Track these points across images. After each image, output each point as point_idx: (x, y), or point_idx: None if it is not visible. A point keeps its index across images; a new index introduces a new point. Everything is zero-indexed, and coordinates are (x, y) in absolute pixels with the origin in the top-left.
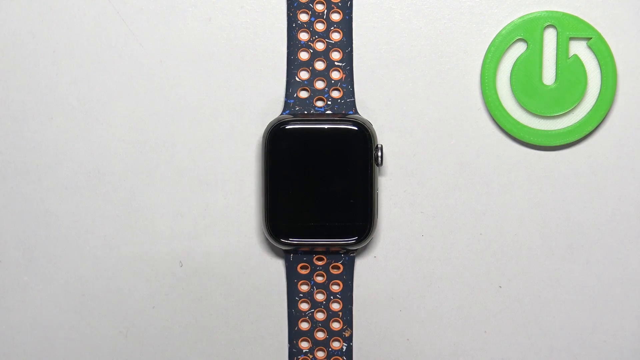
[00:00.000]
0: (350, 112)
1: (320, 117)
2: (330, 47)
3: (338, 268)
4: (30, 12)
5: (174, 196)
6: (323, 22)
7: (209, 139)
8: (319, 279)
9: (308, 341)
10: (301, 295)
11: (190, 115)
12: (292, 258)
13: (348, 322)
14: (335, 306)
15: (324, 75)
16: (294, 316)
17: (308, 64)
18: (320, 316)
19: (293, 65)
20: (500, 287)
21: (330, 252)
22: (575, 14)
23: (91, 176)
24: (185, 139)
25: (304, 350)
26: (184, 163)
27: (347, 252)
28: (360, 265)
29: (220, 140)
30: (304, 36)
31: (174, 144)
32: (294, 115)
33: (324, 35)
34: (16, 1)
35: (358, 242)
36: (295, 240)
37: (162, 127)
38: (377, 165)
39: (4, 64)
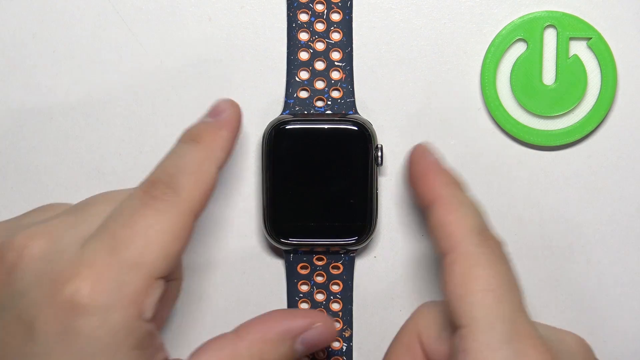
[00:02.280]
0: (350, 112)
1: (320, 117)
2: (330, 47)
3: (338, 268)
4: (30, 12)
5: None
6: (323, 22)
7: None
8: (319, 279)
9: None
10: (301, 295)
11: (190, 116)
12: (292, 258)
13: (348, 322)
14: (335, 306)
15: (324, 75)
16: None
17: (308, 64)
18: None
19: (293, 65)
20: None
21: (330, 252)
22: (575, 14)
23: (91, 176)
24: None
25: None
26: None
27: (347, 252)
28: (360, 265)
29: None
30: (304, 36)
31: (174, 144)
32: (294, 115)
33: (324, 35)
34: (16, 1)
35: (358, 242)
36: (295, 240)
37: (162, 127)
38: (377, 165)
39: (4, 64)
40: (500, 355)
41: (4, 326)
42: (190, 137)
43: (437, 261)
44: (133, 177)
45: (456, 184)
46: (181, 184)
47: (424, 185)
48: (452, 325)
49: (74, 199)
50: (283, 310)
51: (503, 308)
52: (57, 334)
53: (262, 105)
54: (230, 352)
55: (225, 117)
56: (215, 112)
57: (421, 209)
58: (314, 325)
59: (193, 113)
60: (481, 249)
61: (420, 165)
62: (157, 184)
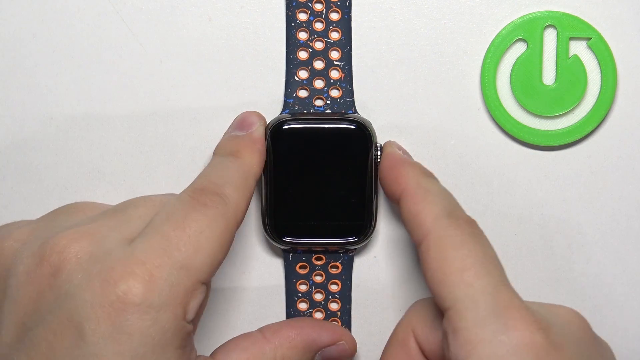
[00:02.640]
0: (350, 112)
1: (320, 116)
2: (329, 46)
3: (337, 268)
4: (30, 12)
5: None
6: (322, 22)
7: (209, 139)
8: (318, 279)
9: None
10: (300, 294)
11: (190, 115)
12: (291, 257)
13: (346, 322)
14: (334, 306)
15: (323, 74)
16: (292, 316)
17: (307, 64)
18: (318, 316)
19: (292, 64)
20: None
21: (329, 252)
22: (575, 14)
23: (91, 176)
24: (185, 139)
25: None
26: (184, 163)
27: (347, 251)
28: (360, 265)
29: (219, 140)
30: (302, 35)
31: (174, 144)
32: (293, 114)
33: (323, 35)
34: (16, 1)
35: (357, 241)
36: (294, 240)
37: (162, 127)
38: (377, 164)
39: (4, 64)
40: (488, 330)
41: (53, 330)
42: (228, 151)
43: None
44: (133, 177)
45: (422, 174)
46: (228, 194)
47: (392, 180)
48: (440, 312)
49: (74, 199)
50: (311, 319)
51: (483, 283)
52: (108, 334)
53: (262, 104)
54: (256, 352)
55: (257, 132)
56: (245, 125)
57: (393, 204)
58: (338, 342)
59: (193, 113)
60: (451, 230)
61: (388, 162)
62: (205, 192)
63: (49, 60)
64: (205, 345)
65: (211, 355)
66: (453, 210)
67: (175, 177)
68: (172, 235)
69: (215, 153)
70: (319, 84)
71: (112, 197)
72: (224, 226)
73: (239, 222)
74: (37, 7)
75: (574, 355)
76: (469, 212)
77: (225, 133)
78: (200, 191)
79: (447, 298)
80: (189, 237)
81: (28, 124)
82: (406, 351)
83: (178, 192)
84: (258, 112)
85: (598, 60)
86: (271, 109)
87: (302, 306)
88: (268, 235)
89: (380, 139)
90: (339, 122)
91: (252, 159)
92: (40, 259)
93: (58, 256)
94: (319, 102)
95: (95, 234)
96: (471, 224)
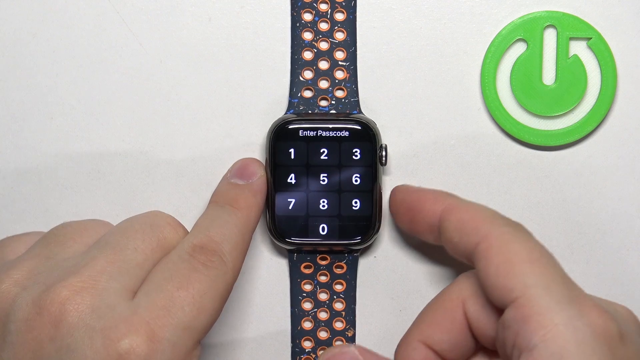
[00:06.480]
0: (355, 112)
1: (325, 116)
2: (334, 46)
3: (341, 268)
4: (30, 12)
5: (174, 196)
6: (327, 22)
7: (209, 139)
8: (323, 279)
9: (311, 340)
10: (304, 294)
11: (190, 116)
12: (295, 257)
13: (351, 322)
14: (339, 305)
15: (328, 74)
16: (297, 315)
17: (312, 64)
18: (323, 316)
19: (297, 64)
20: None
21: (334, 252)
22: (575, 14)
23: (91, 176)
24: (185, 139)
25: (306, 350)
26: (184, 163)
27: (351, 251)
28: (361, 265)
29: (220, 140)
30: (307, 36)
31: (174, 144)
32: (298, 114)
33: (328, 35)
34: (16, 1)
35: (362, 242)
36: (298, 240)
37: (162, 127)
38: (381, 165)
39: (4, 64)
40: (563, 315)
41: None
42: (228, 201)
43: (438, 261)
44: (133, 177)
45: (453, 194)
46: (227, 253)
47: (427, 205)
48: (499, 305)
49: (74, 199)
50: None
51: (553, 273)
52: None
53: (263, 105)
54: None
55: (258, 182)
56: (246, 174)
57: (427, 233)
58: None
59: (193, 113)
60: (511, 227)
61: (411, 195)
62: (204, 251)
63: (49, 60)
64: (207, 345)
65: None
66: (502, 215)
67: (175, 177)
68: (176, 296)
69: (213, 200)
70: (323, 84)
71: (112, 197)
72: (223, 287)
73: (236, 279)
74: (37, 7)
75: (638, 351)
76: None
77: (224, 178)
78: (200, 249)
79: (516, 288)
80: (193, 297)
81: (28, 124)
82: (452, 321)
83: (178, 192)
84: (259, 161)
85: (598, 60)
86: (271, 109)
87: (307, 306)
88: (272, 235)
89: (383, 139)
90: (343, 122)
91: (251, 213)
92: (41, 308)
93: (59, 307)
94: (323, 103)
95: (96, 285)
96: (523, 225)
